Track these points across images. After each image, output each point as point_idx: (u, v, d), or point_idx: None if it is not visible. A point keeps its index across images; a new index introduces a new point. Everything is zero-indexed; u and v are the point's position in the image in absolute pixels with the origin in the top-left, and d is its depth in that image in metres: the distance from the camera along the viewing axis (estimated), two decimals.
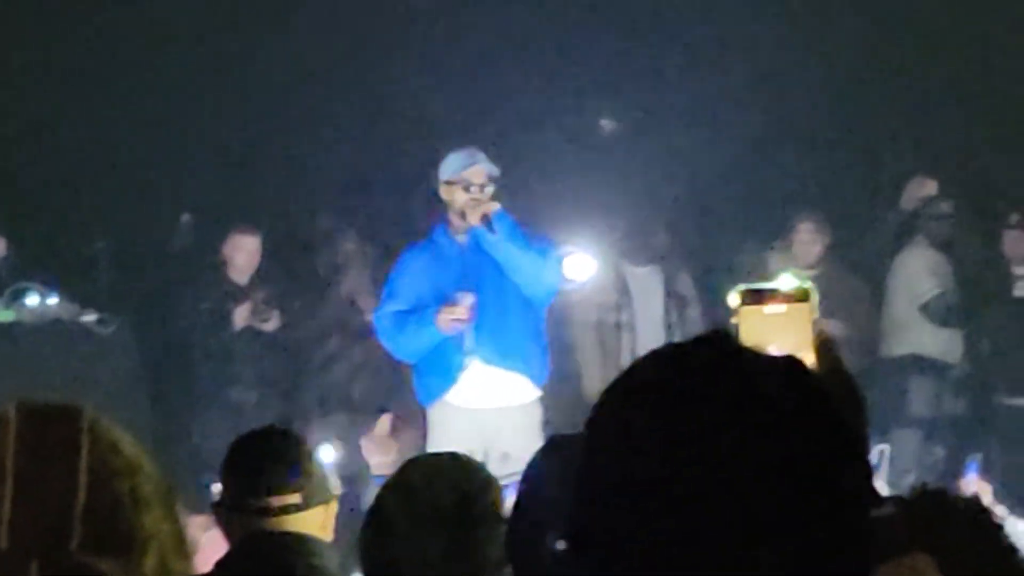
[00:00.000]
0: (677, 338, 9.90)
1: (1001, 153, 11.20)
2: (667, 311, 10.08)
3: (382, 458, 9.35)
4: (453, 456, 3.32)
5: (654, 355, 1.50)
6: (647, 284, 10.16)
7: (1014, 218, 10.56)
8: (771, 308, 1.87)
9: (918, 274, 10.39)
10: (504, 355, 7.90)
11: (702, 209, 11.27)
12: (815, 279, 10.02)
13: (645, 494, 1.41)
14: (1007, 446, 10.20)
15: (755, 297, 1.87)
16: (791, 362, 1.49)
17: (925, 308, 10.30)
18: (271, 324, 10.01)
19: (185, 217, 10.70)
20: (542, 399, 8.11)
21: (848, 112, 11.61)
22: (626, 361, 9.91)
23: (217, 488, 6.27)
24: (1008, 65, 11.33)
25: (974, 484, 7.52)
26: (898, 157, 11.33)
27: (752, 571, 1.39)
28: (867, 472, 1.47)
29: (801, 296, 1.89)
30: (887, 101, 11.55)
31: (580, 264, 9.91)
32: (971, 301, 10.53)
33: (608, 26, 11.70)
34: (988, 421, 10.58)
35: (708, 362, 1.46)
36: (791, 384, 1.46)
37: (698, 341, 1.49)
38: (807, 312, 1.88)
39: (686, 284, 10.26)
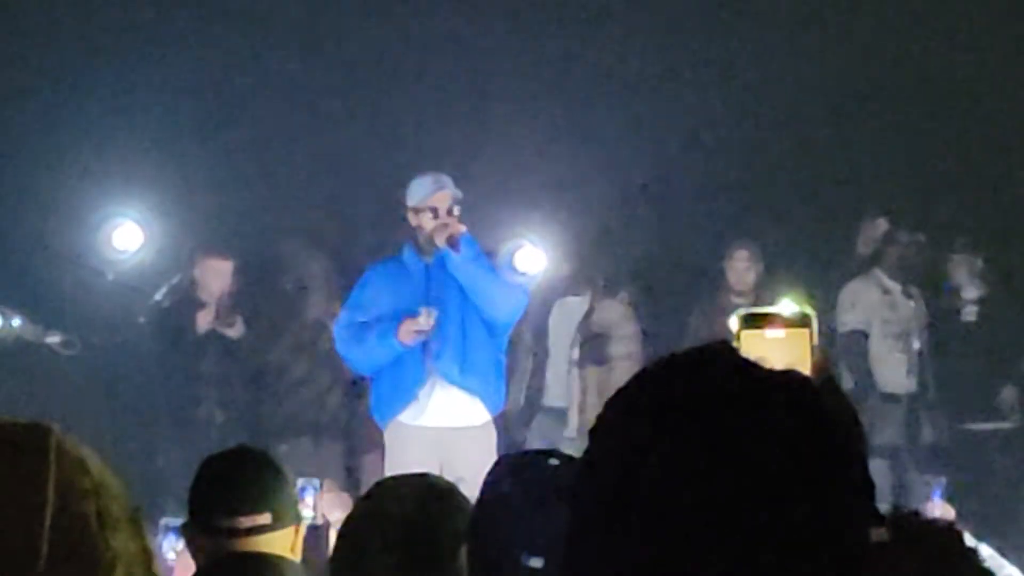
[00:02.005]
0: (575, 371, 10.24)
1: (946, 181, 11.28)
2: (573, 342, 10.24)
3: (341, 513, 9.39)
4: (422, 478, 3.29)
5: (655, 369, 1.48)
6: (566, 315, 10.33)
7: (959, 242, 10.61)
8: (771, 332, 1.86)
9: (843, 306, 10.48)
10: (464, 375, 7.96)
11: (649, 233, 11.32)
12: (748, 307, 10.08)
13: (648, 513, 1.40)
14: (962, 471, 10.21)
15: (755, 321, 1.86)
16: (798, 377, 1.48)
17: (843, 339, 10.40)
18: (235, 330, 9.97)
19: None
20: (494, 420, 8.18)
21: (798, 151, 11.67)
22: (533, 391, 10.18)
23: (165, 522, 6.22)
24: (950, 98, 11.43)
25: (939, 508, 7.53)
26: (850, 197, 11.40)
27: None
28: (870, 491, 1.46)
29: (801, 322, 1.89)
30: (834, 140, 11.63)
31: (530, 257, 10.03)
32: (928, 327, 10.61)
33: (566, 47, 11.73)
34: (945, 446, 10.61)
35: (712, 377, 1.45)
36: (799, 400, 1.45)
37: (699, 355, 1.48)
38: (807, 338, 1.88)
39: (613, 311, 10.34)
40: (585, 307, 10.42)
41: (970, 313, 10.61)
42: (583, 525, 1.44)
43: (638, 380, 1.48)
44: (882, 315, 10.54)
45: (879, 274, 10.59)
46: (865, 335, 10.54)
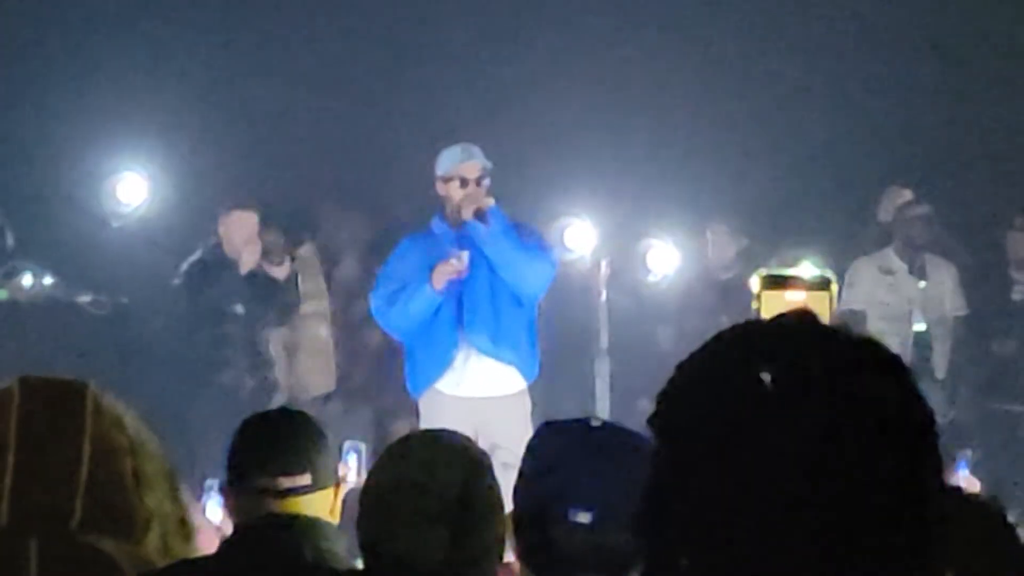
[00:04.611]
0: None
1: (998, 158, 11.19)
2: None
3: None
4: (447, 438, 3.26)
5: (733, 335, 1.45)
6: None
7: (1019, 221, 10.49)
8: (792, 294, 1.86)
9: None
10: (496, 344, 7.97)
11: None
12: (730, 281, 10.10)
13: (727, 483, 1.39)
14: (999, 449, 10.13)
15: (776, 282, 1.86)
16: (882, 345, 1.47)
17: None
18: (283, 270, 9.82)
19: None
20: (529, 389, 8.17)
21: (824, 122, 11.61)
22: None
23: (209, 482, 6.21)
24: (989, 73, 11.35)
25: (964, 481, 7.50)
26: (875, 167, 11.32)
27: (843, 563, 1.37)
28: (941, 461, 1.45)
29: (822, 284, 1.88)
30: (865, 111, 11.57)
31: (580, 234, 9.89)
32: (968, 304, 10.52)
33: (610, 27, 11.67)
34: (980, 424, 10.53)
35: (795, 344, 1.42)
36: (890, 368, 1.45)
37: (782, 321, 1.45)
38: (827, 300, 1.88)
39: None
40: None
41: (1020, 292, 10.51)
42: (670, 490, 1.42)
43: (715, 348, 1.45)
44: (880, 297, 10.42)
45: (888, 253, 10.45)
46: (863, 315, 10.41)
